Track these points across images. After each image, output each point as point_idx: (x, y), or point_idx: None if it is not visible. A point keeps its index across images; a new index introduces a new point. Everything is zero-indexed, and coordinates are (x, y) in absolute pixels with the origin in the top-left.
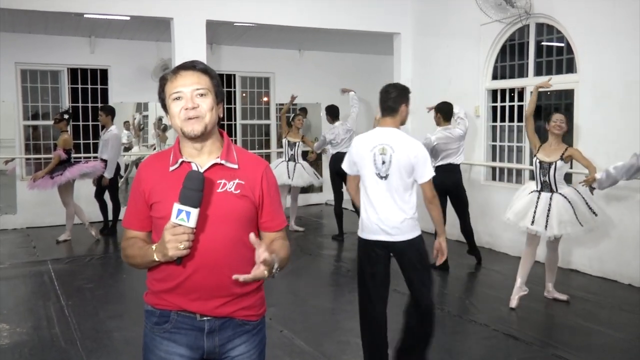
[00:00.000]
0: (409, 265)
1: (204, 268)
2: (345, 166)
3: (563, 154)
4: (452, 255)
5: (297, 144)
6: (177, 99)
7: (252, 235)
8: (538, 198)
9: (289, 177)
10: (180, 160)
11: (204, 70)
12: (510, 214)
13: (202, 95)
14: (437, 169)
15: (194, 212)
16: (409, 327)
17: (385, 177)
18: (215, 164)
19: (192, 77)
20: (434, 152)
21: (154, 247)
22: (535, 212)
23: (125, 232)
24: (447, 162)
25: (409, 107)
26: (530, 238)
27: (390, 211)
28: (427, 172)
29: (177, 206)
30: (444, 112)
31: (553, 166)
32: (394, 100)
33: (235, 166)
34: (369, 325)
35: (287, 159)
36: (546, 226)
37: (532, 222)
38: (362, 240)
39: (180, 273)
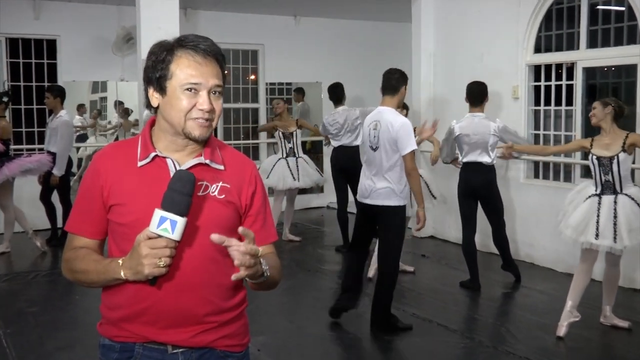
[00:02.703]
0: (382, 228)
1: (177, 289)
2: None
3: (624, 142)
4: (483, 271)
5: (295, 133)
6: (191, 90)
7: (241, 228)
8: (599, 204)
9: (294, 178)
10: (152, 155)
11: (221, 59)
12: (567, 229)
13: (217, 93)
14: (464, 165)
15: (181, 221)
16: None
17: (376, 149)
18: (198, 164)
19: (213, 69)
20: (458, 144)
21: (120, 261)
22: (598, 221)
23: (71, 240)
24: (474, 160)
25: (406, 89)
26: (587, 252)
27: (376, 179)
28: (408, 145)
29: (159, 213)
30: (471, 94)
31: (615, 160)
32: (396, 80)
33: (222, 167)
34: (346, 268)
35: (284, 155)
36: (615, 237)
37: (597, 235)
38: (357, 202)
39: (147, 295)
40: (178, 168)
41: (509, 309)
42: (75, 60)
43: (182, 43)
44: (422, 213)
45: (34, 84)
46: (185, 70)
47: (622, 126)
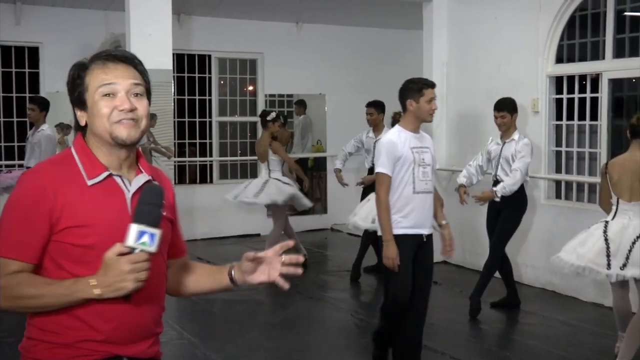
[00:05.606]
0: None
1: (144, 302)
2: None
3: None
4: (499, 298)
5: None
6: (108, 95)
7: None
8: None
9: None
10: (106, 174)
11: (138, 64)
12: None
13: (138, 95)
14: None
15: (158, 233)
16: None
17: None
18: (146, 181)
19: (125, 71)
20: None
21: (91, 280)
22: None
23: (5, 265)
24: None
25: (420, 100)
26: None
27: None
28: (377, 166)
29: (137, 227)
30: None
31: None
32: (399, 96)
33: (158, 183)
34: None
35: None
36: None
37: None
38: None
39: (115, 314)
40: (127, 184)
41: (528, 341)
42: (59, 69)
43: (94, 56)
44: (384, 247)
45: (14, 94)
46: (98, 77)
47: None
